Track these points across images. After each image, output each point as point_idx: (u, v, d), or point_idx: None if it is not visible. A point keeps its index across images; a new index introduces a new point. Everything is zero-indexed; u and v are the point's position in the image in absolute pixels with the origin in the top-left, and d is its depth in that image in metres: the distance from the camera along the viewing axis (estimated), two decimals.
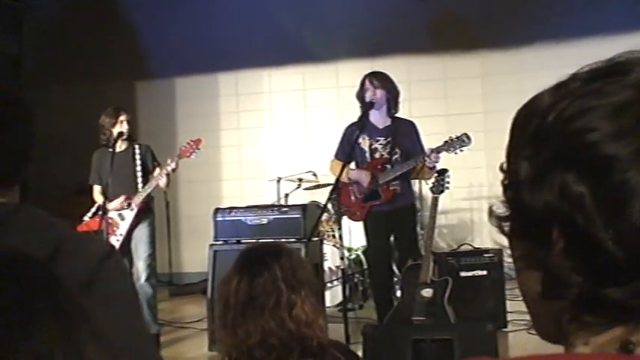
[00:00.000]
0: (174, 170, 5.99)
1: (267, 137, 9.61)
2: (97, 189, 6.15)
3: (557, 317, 0.76)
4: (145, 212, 6.04)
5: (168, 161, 5.98)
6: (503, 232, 0.82)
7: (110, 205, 5.89)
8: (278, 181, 8.04)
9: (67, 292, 0.69)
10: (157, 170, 6.09)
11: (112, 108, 6.08)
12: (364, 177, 5.62)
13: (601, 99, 0.72)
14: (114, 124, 5.97)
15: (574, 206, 0.71)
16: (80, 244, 1.58)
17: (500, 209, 0.82)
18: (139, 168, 6.04)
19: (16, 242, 1.17)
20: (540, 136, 0.76)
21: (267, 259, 2.16)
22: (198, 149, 6.12)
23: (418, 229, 6.53)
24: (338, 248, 6.68)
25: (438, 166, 5.52)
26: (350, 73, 8.63)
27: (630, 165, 0.68)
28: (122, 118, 5.99)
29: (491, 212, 0.82)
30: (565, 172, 0.72)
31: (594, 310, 0.72)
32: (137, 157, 6.05)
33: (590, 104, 0.73)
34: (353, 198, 5.73)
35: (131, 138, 6.09)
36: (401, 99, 5.80)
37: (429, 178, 5.64)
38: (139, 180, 6.03)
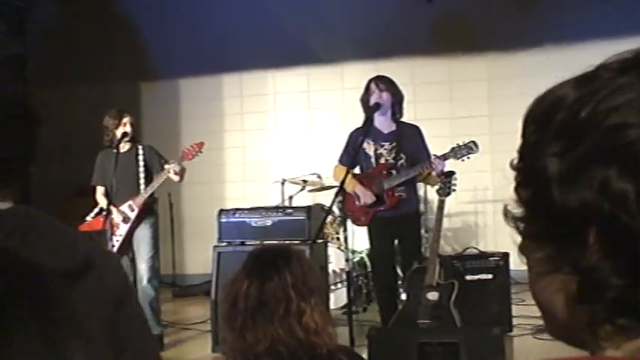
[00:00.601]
0: (176, 172, 5.94)
1: (271, 139, 9.58)
2: (99, 190, 6.13)
3: (588, 321, 0.72)
4: (147, 213, 6.02)
5: (170, 162, 5.97)
6: (521, 233, 0.78)
7: (114, 212, 5.86)
8: (282, 183, 8.01)
9: (49, 290, 0.65)
10: (166, 166, 6.07)
11: (116, 110, 6.07)
12: (367, 198, 5.59)
13: (638, 91, 0.69)
14: (117, 126, 5.96)
15: (616, 204, 0.67)
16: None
17: (516, 209, 0.77)
18: (142, 169, 6.03)
19: (42, 254, 1.15)
20: (572, 131, 0.71)
21: (277, 262, 2.12)
22: (201, 152, 6.12)
23: (423, 232, 6.49)
24: (342, 251, 6.65)
25: (450, 167, 5.50)
26: (355, 75, 8.60)
27: None
28: (125, 120, 5.99)
29: (506, 213, 0.78)
30: (605, 169, 0.68)
31: (631, 313, 0.69)
32: (140, 158, 6.03)
33: (626, 97, 0.69)
34: (357, 203, 5.70)
35: (134, 139, 6.08)
36: (405, 102, 5.77)
37: (435, 185, 5.61)
38: (142, 181, 6.01)
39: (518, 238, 0.79)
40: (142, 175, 6.02)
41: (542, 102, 0.78)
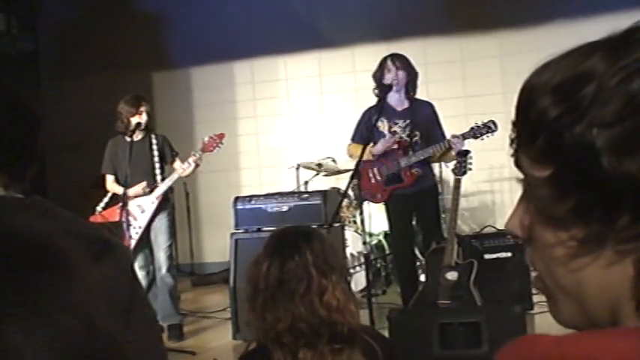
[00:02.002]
0: (197, 165, 5.96)
1: (284, 124, 9.56)
2: (109, 178, 6.06)
3: (624, 298, 0.70)
4: (163, 203, 6.01)
5: (192, 153, 5.95)
6: (543, 214, 0.74)
7: (131, 191, 5.82)
8: (297, 168, 7.99)
9: (74, 271, 0.64)
10: (177, 161, 6.05)
11: (133, 96, 5.97)
12: (390, 143, 5.54)
13: None
14: (133, 114, 5.87)
15: None
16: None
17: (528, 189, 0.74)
18: (156, 159, 5.99)
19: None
20: (621, 100, 0.68)
21: (298, 242, 2.13)
22: (222, 143, 6.09)
23: (440, 211, 6.45)
24: (359, 234, 6.63)
25: (465, 146, 5.47)
26: (366, 57, 8.53)
27: None
28: (143, 108, 5.89)
29: (529, 196, 0.75)
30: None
31: None
32: (154, 147, 6.00)
33: None
34: (373, 180, 5.67)
35: (148, 128, 6.02)
36: (419, 80, 5.74)
37: (450, 161, 5.58)
38: (157, 171, 5.99)
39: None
40: (157, 165, 5.99)
41: (557, 73, 0.74)
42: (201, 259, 9.49)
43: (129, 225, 5.74)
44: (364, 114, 5.76)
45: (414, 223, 5.88)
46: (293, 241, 2.14)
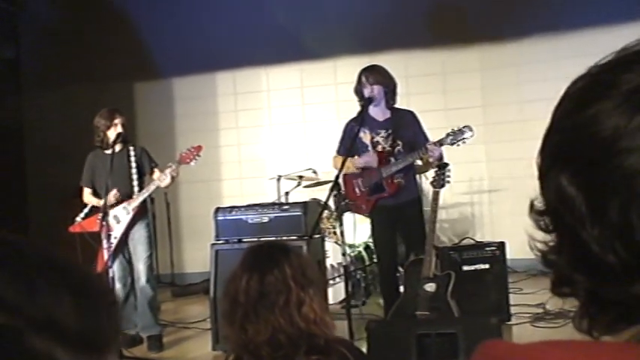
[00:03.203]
0: (174, 178, 5.98)
1: (266, 136, 9.60)
2: (86, 191, 6.11)
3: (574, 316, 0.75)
4: (141, 214, 6.03)
5: (168, 165, 5.97)
6: (539, 227, 0.78)
7: (110, 215, 5.86)
8: (278, 179, 8.02)
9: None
10: (156, 172, 6.07)
11: (107, 110, 6.03)
12: (372, 159, 5.60)
13: (605, 90, 0.69)
14: (108, 127, 5.93)
15: (566, 207, 0.69)
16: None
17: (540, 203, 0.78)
18: (134, 170, 6.02)
19: None
20: (549, 131, 0.74)
21: (277, 256, 2.17)
22: (199, 156, 6.11)
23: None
24: (339, 245, 6.66)
25: (445, 158, 5.51)
26: (348, 69, 8.58)
27: (621, 156, 0.65)
28: (117, 121, 5.95)
29: (532, 206, 0.77)
30: (560, 172, 0.70)
31: (605, 309, 0.70)
32: (132, 159, 6.02)
33: (591, 96, 0.70)
34: (358, 191, 5.72)
35: (126, 140, 6.06)
36: (399, 94, 5.79)
37: (427, 171, 5.64)
38: (135, 182, 6.01)
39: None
40: (134, 177, 6.02)
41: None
42: (181, 269, 9.48)
43: (109, 236, 5.75)
44: (347, 126, 5.80)
45: (398, 232, 5.91)
46: (271, 255, 2.18)
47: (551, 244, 0.75)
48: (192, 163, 6.10)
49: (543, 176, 0.73)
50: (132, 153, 6.03)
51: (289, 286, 2.10)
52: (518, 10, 8.50)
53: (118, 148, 5.97)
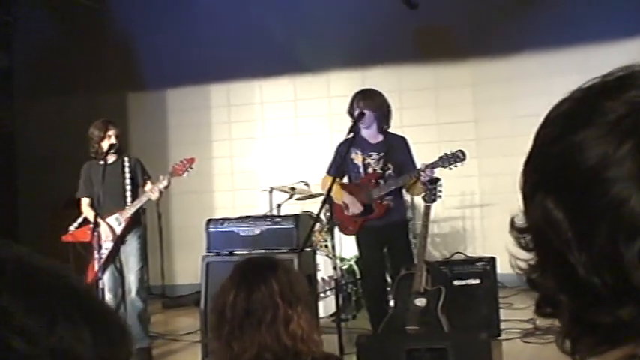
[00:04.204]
0: (166, 188, 5.99)
1: (259, 148, 9.60)
2: (85, 202, 6.09)
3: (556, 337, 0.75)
4: (134, 225, 6.02)
5: (161, 178, 5.97)
6: (520, 245, 0.79)
7: (102, 226, 5.86)
8: (270, 191, 8.02)
9: None
10: (148, 184, 6.07)
11: (101, 121, 6.04)
12: (355, 207, 5.63)
13: (589, 117, 0.70)
14: (102, 138, 5.94)
15: (552, 230, 0.70)
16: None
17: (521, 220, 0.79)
18: (128, 182, 6.01)
19: None
20: (533, 155, 0.75)
21: (264, 272, 2.15)
22: (191, 168, 6.11)
23: (411, 237, 6.53)
24: (331, 258, 6.67)
25: (437, 173, 5.54)
26: (341, 83, 8.65)
27: (607, 185, 0.66)
28: (111, 132, 5.95)
29: (512, 224, 0.78)
30: (546, 196, 0.71)
31: (588, 331, 0.71)
32: (126, 170, 6.02)
33: (576, 123, 0.71)
34: (346, 212, 5.73)
35: (120, 150, 6.06)
36: (392, 107, 5.81)
37: (419, 194, 5.67)
38: (128, 194, 6.01)
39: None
40: (128, 188, 6.02)
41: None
42: (172, 281, 9.45)
43: (100, 246, 5.75)
44: (339, 147, 5.83)
45: (385, 250, 5.92)
46: (259, 271, 2.16)
47: (532, 262, 0.75)
48: (184, 175, 6.11)
49: (528, 198, 0.74)
50: (126, 164, 6.03)
51: (276, 303, 2.07)
52: (510, 25, 8.54)
53: (112, 159, 5.98)
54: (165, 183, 5.94)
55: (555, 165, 0.71)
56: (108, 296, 5.85)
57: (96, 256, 5.69)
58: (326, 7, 8.95)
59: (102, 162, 5.87)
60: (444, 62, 8.97)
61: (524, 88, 8.40)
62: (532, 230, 0.74)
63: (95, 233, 5.71)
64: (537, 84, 8.11)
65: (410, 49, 8.92)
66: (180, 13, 9.50)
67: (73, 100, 9.67)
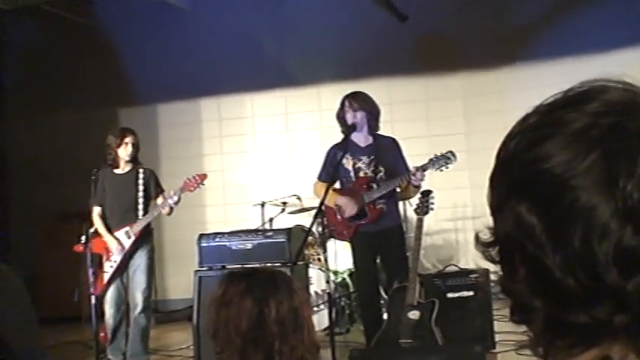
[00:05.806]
0: (176, 203, 5.93)
1: (250, 162, 9.59)
2: (96, 210, 5.99)
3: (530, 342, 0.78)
4: (144, 241, 5.96)
5: (172, 193, 5.93)
6: (486, 258, 0.82)
7: (109, 237, 5.80)
8: (262, 205, 8.01)
9: None
10: (160, 198, 6.02)
11: (119, 128, 6.04)
12: (350, 207, 5.61)
13: (555, 128, 0.74)
14: (118, 145, 5.89)
15: (526, 235, 0.73)
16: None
17: (486, 235, 0.82)
18: (141, 193, 5.94)
19: None
20: (502, 166, 0.78)
21: (284, 283, 2.14)
22: (203, 184, 6.07)
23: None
24: (323, 272, 6.65)
25: (424, 185, 5.53)
26: (332, 96, 8.59)
27: (577, 192, 0.70)
28: (127, 140, 5.91)
29: (477, 239, 0.82)
30: (519, 203, 0.74)
31: (563, 334, 0.74)
32: (140, 181, 5.96)
33: (542, 134, 0.74)
34: (339, 217, 5.72)
35: (136, 160, 6.01)
36: (383, 121, 5.82)
37: (413, 197, 5.66)
38: (141, 206, 5.94)
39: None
40: (140, 200, 5.94)
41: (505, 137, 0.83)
42: (164, 295, 9.41)
43: (108, 258, 5.71)
44: (329, 151, 5.83)
45: (378, 261, 5.90)
46: (282, 283, 2.13)
47: (504, 271, 0.78)
48: (195, 191, 6.07)
49: (499, 208, 0.77)
50: (140, 175, 5.97)
51: (299, 315, 2.08)
52: (500, 38, 8.59)
53: (127, 168, 5.93)
54: (175, 198, 5.89)
55: (525, 173, 0.74)
56: (109, 311, 5.81)
57: (104, 267, 5.67)
58: (316, 21, 8.97)
59: (118, 171, 5.84)
60: (434, 75, 9.00)
61: (515, 100, 8.42)
62: (502, 240, 0.77)
63: (107, 247, 5.68)
64: (528, 96, 8.04)
65: (400, 61, 8.94)
66: (171, 28, 9.49)
67: (64, 114, 9.64)
